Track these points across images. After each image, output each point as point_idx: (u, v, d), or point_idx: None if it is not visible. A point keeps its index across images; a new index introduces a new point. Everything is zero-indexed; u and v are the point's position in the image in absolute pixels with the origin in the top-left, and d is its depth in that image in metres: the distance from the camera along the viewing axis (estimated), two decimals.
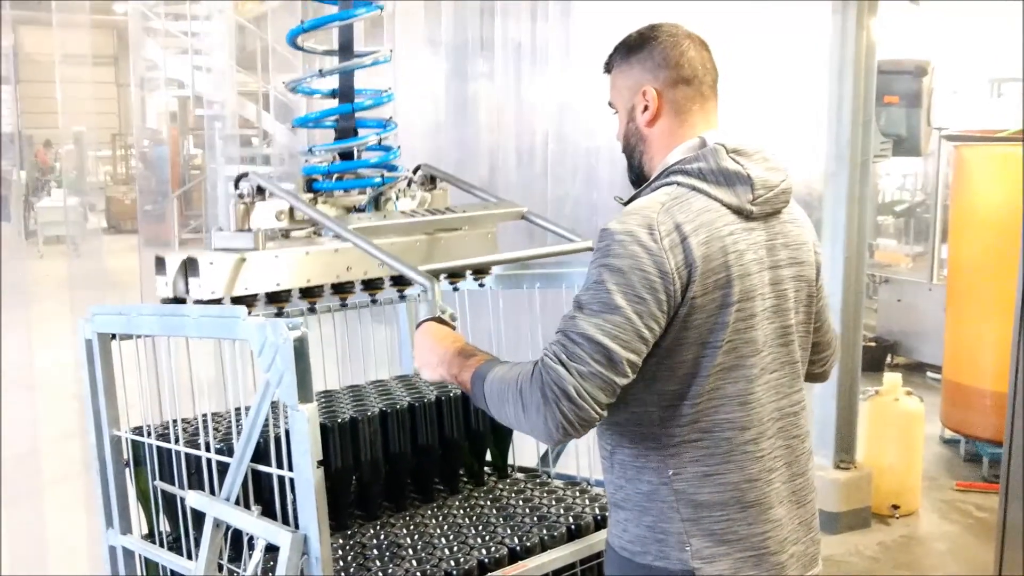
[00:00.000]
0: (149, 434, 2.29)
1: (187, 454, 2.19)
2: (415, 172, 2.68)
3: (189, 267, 2.15)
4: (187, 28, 11.66)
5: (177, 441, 2.20)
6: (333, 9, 2.45)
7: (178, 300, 2.16)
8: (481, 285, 2.77)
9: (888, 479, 5.22)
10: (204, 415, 2.25)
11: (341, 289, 2.42)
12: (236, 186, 2.26)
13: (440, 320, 1.95)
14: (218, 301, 2.15)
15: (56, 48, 9.85)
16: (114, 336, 2.27)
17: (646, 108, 1.87)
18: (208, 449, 2.11)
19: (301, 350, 1.78)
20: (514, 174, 6.54)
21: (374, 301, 2.60)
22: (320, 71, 2.50)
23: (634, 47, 1.90)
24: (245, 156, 11.73)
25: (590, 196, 6.27)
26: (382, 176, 2.49)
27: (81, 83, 11.03)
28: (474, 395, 1.79)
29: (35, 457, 4.62)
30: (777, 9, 6.13)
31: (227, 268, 2.15)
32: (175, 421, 2.23)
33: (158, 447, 2.27)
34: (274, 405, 1.93)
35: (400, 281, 2.55)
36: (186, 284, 2.15)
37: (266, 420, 1.92)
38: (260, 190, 2.27)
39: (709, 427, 1.76)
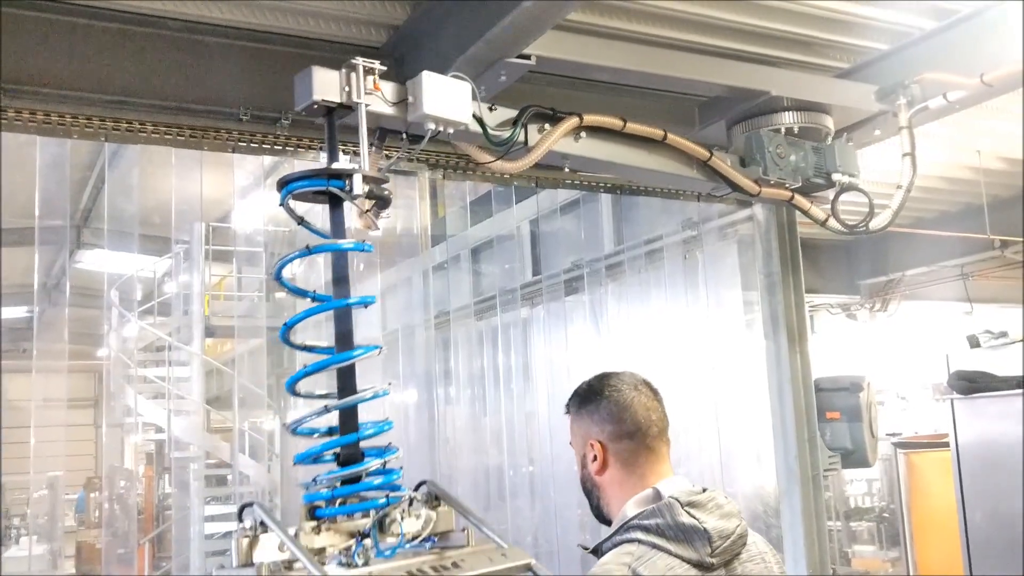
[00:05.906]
0: None
1: None
2: (417, 489, 2.49)
3: None
4: (164, 373, 12.06)
5: None
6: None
7: None
8: None
9: None
10: None
11: None
12: (240, 518, 2.17)
13: None
14: None
15: (35, 393, 10.13)
16: None
17: (595, 458, 2.04)
18: None
19: None
20: None
21: None
22: (326, 407, 2.52)
23: (584, 399, 2.10)
24: (220, 495, 11.83)
25: None
26: (387, 497, 2.37)
27: (60, 427, 11.21)
28: None
29: None
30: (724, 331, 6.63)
31: None
32: None
33: None
34: None
35: None
36: None
37: None
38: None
39: None
